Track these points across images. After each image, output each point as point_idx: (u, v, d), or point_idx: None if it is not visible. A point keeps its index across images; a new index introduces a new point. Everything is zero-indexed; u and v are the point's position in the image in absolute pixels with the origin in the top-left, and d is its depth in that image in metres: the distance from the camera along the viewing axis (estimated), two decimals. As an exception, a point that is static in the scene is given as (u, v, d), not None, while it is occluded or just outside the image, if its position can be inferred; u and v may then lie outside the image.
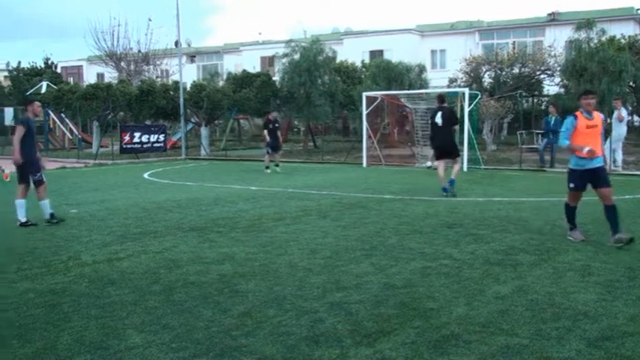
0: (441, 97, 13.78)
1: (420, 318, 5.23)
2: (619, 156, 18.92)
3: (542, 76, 29.85)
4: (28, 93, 38.54)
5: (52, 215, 10.11)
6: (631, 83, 23.48)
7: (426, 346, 4.62)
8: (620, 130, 18.73)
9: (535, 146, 24.21)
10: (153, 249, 8.10)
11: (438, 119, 13.15)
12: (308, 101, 28.11)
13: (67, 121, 34.55)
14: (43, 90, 35.58)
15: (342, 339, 4.78)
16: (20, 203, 9.99)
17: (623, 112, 18.84)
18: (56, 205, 12.19)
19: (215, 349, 4.60)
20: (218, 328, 5.05)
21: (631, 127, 31.35)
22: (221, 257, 7.57)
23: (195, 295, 5.99)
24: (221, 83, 33.46)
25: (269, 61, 44.69)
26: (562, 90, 26.57)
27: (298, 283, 6.35)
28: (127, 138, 27.23)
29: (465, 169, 19.33)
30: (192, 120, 32.38)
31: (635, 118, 31.11)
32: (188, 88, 31.84)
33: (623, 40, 25.58)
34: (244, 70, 33.35)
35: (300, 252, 7.83)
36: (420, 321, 5.16)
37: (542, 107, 30.82)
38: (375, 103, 23.94)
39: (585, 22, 22.40)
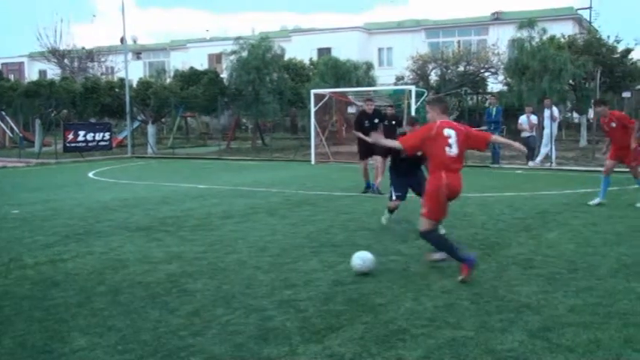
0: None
1: (369, 313, 5.29)
2: (553, 153, 19.58)
3: (486, 74, 30.47)
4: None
5: None
6: (570, 81, 24.15)
7: (374, 341, 4.67)
8: (553, 129, 19.44)
9: None
10: (98, 249, 7.95)
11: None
12: (256, 99, 28.01)
13: (8, 119, 33.56)
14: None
15: (290, 336, 4.79)
16: None
17: (555, 112, 19.56)
18: (-3, 205, 11.87)
19: (163, 350, 4.55)
20: (166, 328, 5.00)
21: (570, 124, 32.40)
22: (169, 257, 7.49)
23: (142, 295, 5.91)
24: (168, 80, 33.03)
25: (216, 59, 44.31)
26: (505, 87, 27.17)
27: (247, 282, 6.33)
28: (70, 136, 26.62)
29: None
30: (139, 118, 31.89)
31: (575, 115, 32.07)
32: (134, 86, 31.34)
33: (562, 39, 26.35)
34: (191, 68, 33.01)
35: (248, 250, 7.81)
36: (369, 317, 5.21)
37: (487, 105, 31.46)
38: (324, 101, 24.03)
39: (527, 21, 22.94)
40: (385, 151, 9.08)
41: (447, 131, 6.44)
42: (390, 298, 5.71)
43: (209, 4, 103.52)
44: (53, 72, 41.97)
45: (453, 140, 6.45)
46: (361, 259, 6.56)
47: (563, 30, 29.38)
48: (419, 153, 7.56)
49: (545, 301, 5.56)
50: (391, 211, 9.34)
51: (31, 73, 51.61)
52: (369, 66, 29.32)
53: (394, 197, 9.22)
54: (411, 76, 30.85)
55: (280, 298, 5.76)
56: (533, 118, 19.56)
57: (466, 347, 4.53)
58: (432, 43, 42.30)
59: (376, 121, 13.16)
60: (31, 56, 52.42)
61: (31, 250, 7.98)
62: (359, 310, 5.38)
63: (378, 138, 7.66)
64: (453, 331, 4.84)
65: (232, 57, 28.68)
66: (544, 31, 22.82)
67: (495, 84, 30.01)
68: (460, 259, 6.37)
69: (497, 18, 42.38)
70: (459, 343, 4.60)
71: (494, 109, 20.52)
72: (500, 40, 30.88)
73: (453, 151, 6.47)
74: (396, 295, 5.80)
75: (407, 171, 9.07)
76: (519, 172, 18.05)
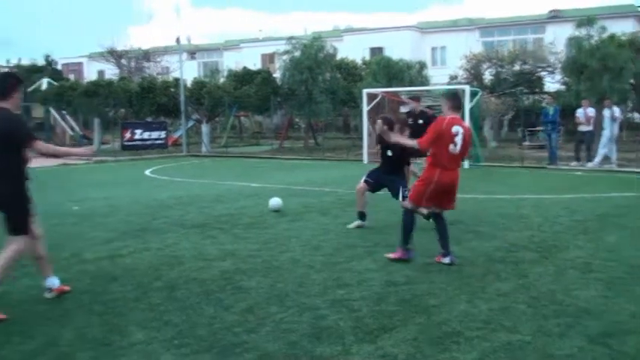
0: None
1: (422, 315, 5.24)
2: (613, 154, 19.07)
3: (542, 74, 29.83)
4: (28, 90, 38.58)
5: None
6: (631, 80, 23.43)
7: (427, 342, 4.63)
8: (614, 129, 18.92)
9: (542, 143, 24.28)
10: (155, 246, 8.11)
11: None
12: (309, 98, 28.10)
13: (68, 117, 34.54)
14: (44, 87, 35.56)
15: (344, 335, 4.79)
16: None
17: (617, 112, 19.02)
18: (58, 201, 12.23)
19: (217, 346, 4.61)
20: (220, 324, 5.06)
21: (631, 125, 31.45)
22: (223, 254, 7.58)
23: (198, 291, 6.00)
24: (222, 80, 33.44)
25: (269, 58, 44.64)
26: (563, 87, 26.56)
27: (300, 280, 6.36)
28: (128, 135, 27.27)
29: (465, 165, 19.34)
30: (193, 117, 32.37)
31: (636, 115, 31.13)
32: (189, 85, 31.83)
33: (623, 37, 25.56)
34: (245, 67, 33.33)
35: (301, 249, 7.84)
36: (422, 318, 5.17)
37: (544, 104, 30.83)
38: (376, 100, 23.94)
39: (586, 19, 22.37)
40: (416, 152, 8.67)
41: (455, 128, 6.59)
42: (444, 300, 5.65)
43: (262, 4, 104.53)
44: (111, 72, 42.97)
45: (459, 138, 6.57)
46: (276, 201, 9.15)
47: (624, 28, 28.45)
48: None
49: (606, 306, 5.41)
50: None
51: (90, 73, 52.93)
52: (422, 65, 29.05)
53: (363, 179, 9.20)
54: (464, 76, 30.43)
55: (333, 297, 5.77)
56: (590, 111, 19.11)
57: (522, 351, 4.45)
58: (487, 42, 41.64)
59: (420, 121, 11.97)
60: (90, 57, 53.77)
61: (90, 245, 8.19)
62: (412, 311, 5.34)
63: (396, 137, 7.71)
64: (509, 335, 4.76)
65: (285, 57, 28.84)
66: (603, 29, 22.20)
67: (552, 83, 29.35)
68: (404, 243, 7.00)
69: (555, 16, 41.46)
70: (515, 347, 4.52)
71: (552, 108, 20.08)
72: (557, 38, 30.16)
73: (456, 149, 6.65)
74: (450, 297, 5.74)
75: (390, 169, 9.00)
76: (578, 173, 17.61)
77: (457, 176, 6.88)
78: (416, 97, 13.50)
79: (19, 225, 5.49)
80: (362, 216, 9.39)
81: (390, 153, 8.79)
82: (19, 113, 5.69)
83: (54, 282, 5.89)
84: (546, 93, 30.44)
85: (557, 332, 4.81)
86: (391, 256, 7.09)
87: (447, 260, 6.94)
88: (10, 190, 5.45)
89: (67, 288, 5.98)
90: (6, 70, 47.29)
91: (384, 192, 9.24)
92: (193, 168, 21.47)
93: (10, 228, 5.49)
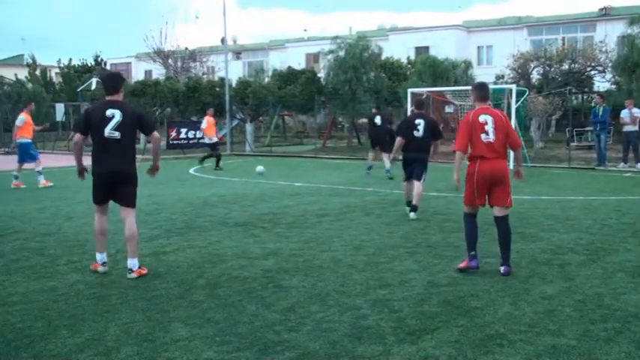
0: (419, 104, 11.25)
1: (464, 317, 5.18)
2: None
3: (592, 73, 29.18)
4: (78, 90, 39.47)
5: None
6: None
7: (470, 345, 4.57)
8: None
9: (591, 144, 23.81)
10: (198, 243, 8.21)
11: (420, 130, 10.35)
12: (353, 98, 28.07)
13: (116, 117, 35.16)
14: (93, 86, 36.29)
15: (385, 336, 4.77)
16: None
17: (637, 112, 18.56)
18: (105, 199, 12.46)
19: (258, 344, 4.63)
20: (261, 322, 5.09)
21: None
22: (265, 253, 7.62)
23: (239, 289, 6.05)
24: (266, 80, 33.66)
25: (314, 58, 44.73)
26: (613, 87, 25.93)
27: (342, 280, 6.35)
28: (173, 134, 27.64)
29: (511, 166, 19.04)
30: (238, 116, 32.66)
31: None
32: (234, 85, 32.11)
33: (678, 36, 24.80)
34: (289, 67, 33.47)
35: (343, 248, 7.83)
36: (464, 320, 5.11)
37: (592, 104, 30.17)
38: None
39: (638, 16, 21.79)
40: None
41: (482, 117, 6.62)
42: (487, 302, 5.57)
43: (307, 4, 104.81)
44: (158, 72, 43.62)
45: (489, 127, 6.52)
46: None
47: (679, 25, 27.66)
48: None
49: (655, 311, 5.26)
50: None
51: (138, 73, 53.86)
52: (468, 64, 28.75)
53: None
54: (511, 75, 29.97)
55: (375, 297, 5.74)
56: (636, 111, 18.63)
57: (568, 356, 4.35)
58: (535, 41, 40.89)
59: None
60: (138, 57, 54.71)
61: (136, 242, 8.31)
62: (454, 313, 5.28)
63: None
64: (554, 339, 4.66)
65: (330, 56, 28.87)
66: (657, 26, 21.63)
67: (602, 83, 28.68)
68: (469, 251, 6.68)
69: (606, 14, 40.47)
70: (560, 351, 4.42)
71: (601, 108, 19.60)
72: (608, 36, 29.48)
73: (489, 137, 6.54)
74: (493, 299, 5.65)
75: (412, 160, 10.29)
76: (628, 174, 17.18)
77: (501, 166, 6.64)
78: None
79: (134, 200, 6.90)
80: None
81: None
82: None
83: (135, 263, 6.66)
84: (595, 92, 29.77)
85: (604, 337, 4.69)
86: (458, 266, 6.72)
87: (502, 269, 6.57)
88: (134, 169, 6.78)
89: (144, 271, 6.68)
90: (57, 70, 48.54)
91: (424, 193, 9.16)
92: (237, 167, 21.65)
93: (127, 202, 6.80)
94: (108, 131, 6.49)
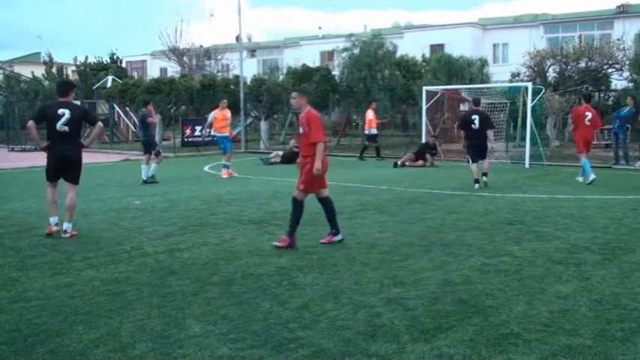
0: (476, 101, 14.77)
1: (479, 315, 5.16)
2: None
3: (609, 71, 28.90)
4: (94, 87, 39.71)
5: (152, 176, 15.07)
6: None
7: (484, 344, 4.55)
8: None
9: (608, 142, 23.63)
10: (213, 241, 8.24)
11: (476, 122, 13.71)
12: (367, 96, 28.01)
13: (132, 114, 35.38)
14: (109, 84, 36.52)
15: (399, 334, 4.75)
16: (144, 168, 15.22)
17: None
18: (120, 196, 12.56)
19: (272, 341, 4.64)
20: (276, 320, 5.10)
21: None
22: (279, 250, 7.63)
23: (254, 287, 6.06)
24: (281, 77, 33.68)
25: (329, 56, 44.67)
26: (631, 84, 25.66)
27: (356, 278, 6.35)
28: (188, 131, 27.73)
29: (527, 165, 18.94)
30: (252, 114, 32.70)
31: None
32: (248, 83, 32.14)
33: (697, 33, 24.51)
34: (304, 65, 33.46)
35: (357, 246, 7.83)
36: (479, 318, 5.08)
37: (610, 102, 29.86)
38: (435, 98, 23.68)
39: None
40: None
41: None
42: (502, 301, 5.54)
43: (319, 3, 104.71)
44: (173, 69, 43.74)
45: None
46: None
47: (698, 23, 27.37)
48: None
49: (673, 311, 5.20)
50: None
51: (153, 71, 54.08)
52: (483, 62, 28.56)
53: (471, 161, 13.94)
54: (527, 73, 29.74)
55: (389, 295, 5.73)
56: None
57: (583, 356, 4.32)
58: (551, 39, 40.61)
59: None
60: (153, 54, 54.93)
61: (150, 239, 8.38)
62: (469, 312, 5.26)
63: None
64: (570, 338, 4.63)
65: (344, 54, 28.83)
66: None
67: (620, 80, 28.39)
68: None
69: (624, 11, 40.09)
70: (575, 351, 4.39)
71: (627, 109, 19.35)
72: (626, 34, 29.17)
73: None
74: (508, 298, 5.62)
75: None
76: (644, 173, 17.02)
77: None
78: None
79: (78, 178, 8.85)
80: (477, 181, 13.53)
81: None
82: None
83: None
84: (613, 90, 29.49)
85: (620, 337, 4.65)
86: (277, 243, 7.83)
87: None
88: (79, 154, 8.70)
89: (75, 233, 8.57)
90: (73, 67, 48.89)
91: (439, 191, 9.13)
92: (251, 164, 21.67)
93: (72, 180, 8.75)
94: (59, 126, 8.35)
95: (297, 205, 7.97)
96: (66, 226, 8.50)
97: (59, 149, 8.46)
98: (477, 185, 13.33)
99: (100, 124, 9.09)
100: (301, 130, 7.97)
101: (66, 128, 8.36)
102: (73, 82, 9.59)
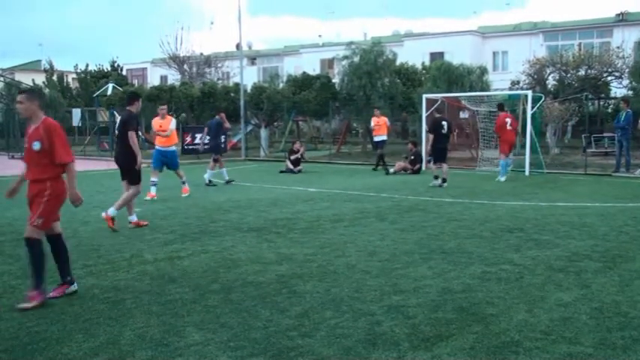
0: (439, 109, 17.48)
1: (479, 323, 5.15)
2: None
3: (609, 78, 28.96)
4: (95, 95, 39.77)
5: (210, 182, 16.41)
6: None
7: (485, 352, 4.54)
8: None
9: (607, 150, 23.64)
10: (212, 248, 8.23)
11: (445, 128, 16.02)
12: (367, 103, 28.05)
13: (132, 122, 35.38)
14: (109, 92, 36.58)
15: (399, 342, 4.74)
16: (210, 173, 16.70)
17: None
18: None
19: (272, 349, 4.63)
20: (275, 328, 5.09)
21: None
22: (279, 258, 7.62)
23: (254, 294, 6.05)
24: (281, 85, 33.75)
25: (329, 64, 44.77)
26: (630, 92, 25.71)
27: (356, 285, 6.34)
28: (188, 139, 27.72)
29: (527, 173, 18.94)
30: (252, 121, 32.74)
31: None
32: (249, 90, 32.19)
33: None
34: (304, 73, 33.52)
35: (357, 254, 7.82)
36: (479, 326, 5.07)
37: (609, 110, 29.91)
38: (435, 106, 23.68)
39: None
40: None
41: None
42: (502, 309, 5.53)
43: (317, 12, 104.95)
44: (173, 77, 43.83)
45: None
46: None
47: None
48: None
49: (673, 319, 5.19)
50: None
51: (153, 79, 54.18)
52: (483, 70, 28.61)
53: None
54: (527, 81, 29.80)
55: (389, 303, 5.72)
56: None
57: (584, 364, 4.31)
58: (551, 47, 40.74)
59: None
60: (154, 62, 55.03)
61: (150, 247, 8.37)
62: (469, 320, 5.24)
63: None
64: (570, 347, 4.62)
65: (344, 62, 28.86)
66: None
67: (619, 88, 28.45)
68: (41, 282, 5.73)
69: (623, 19, 40.23)
70: (576, 359, 4.38)
71: (624, 113, 19.34)
72: (625, 42, 29.26)
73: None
74: (509, 306, 5.61)
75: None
76: (644, 181, 17.01)
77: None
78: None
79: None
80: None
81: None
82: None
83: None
84: (613, 98, 29.54)
85: (621, 345, 4.64)
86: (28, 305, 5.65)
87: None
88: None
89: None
90: (73, 75, 48.95)
91: (439, 199, 9.13)
92: (251, 172, 21.70)
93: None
94: None
95: (36, 247, 5.80)
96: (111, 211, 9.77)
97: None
98: (437, 182, 15.66)
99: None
100: (36, 147, 5.82)
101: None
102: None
